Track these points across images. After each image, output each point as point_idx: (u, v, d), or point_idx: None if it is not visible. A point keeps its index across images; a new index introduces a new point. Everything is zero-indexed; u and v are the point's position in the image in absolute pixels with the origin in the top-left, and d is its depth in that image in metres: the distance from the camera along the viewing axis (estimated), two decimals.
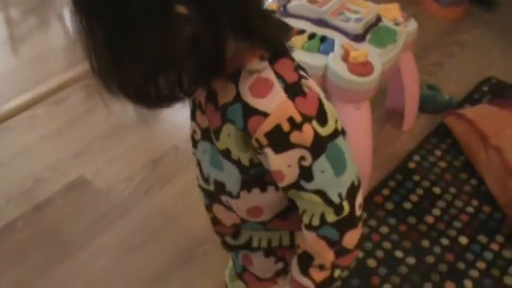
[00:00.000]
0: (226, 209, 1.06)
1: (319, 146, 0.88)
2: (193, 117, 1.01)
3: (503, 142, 1.97)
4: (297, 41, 1.79)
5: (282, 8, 1.92)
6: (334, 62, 1.73)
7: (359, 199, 0.94)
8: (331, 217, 0.91)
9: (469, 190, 2.01)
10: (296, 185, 0.89)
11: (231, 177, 0.97)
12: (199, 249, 1.79)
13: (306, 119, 0.86)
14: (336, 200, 0.90)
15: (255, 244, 1.13)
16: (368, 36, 1.84)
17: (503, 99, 2.38)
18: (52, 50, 2.67)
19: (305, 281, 0.99)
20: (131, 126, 2.18)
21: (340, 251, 0.95)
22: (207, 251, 1.78)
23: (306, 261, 0.98)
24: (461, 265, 1.77)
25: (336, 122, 0.92)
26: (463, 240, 1.85)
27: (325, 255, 0.95)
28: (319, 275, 0.98)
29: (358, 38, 1.82)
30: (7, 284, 1.70)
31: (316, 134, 0.87)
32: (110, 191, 1.97)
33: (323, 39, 1.81)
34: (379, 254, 1.79)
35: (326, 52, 1.77)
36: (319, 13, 1.86)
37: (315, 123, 0.87)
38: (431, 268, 1.76)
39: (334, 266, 0.97)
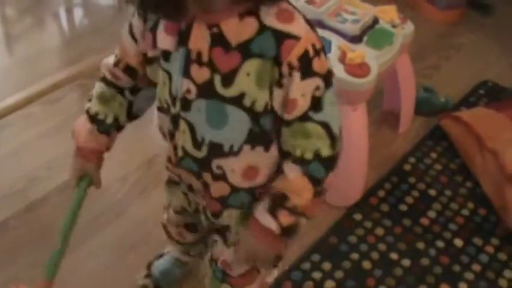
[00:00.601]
0: (214, 180, 1.05)
1: (329, 77, 0.96)
2: (186, 74, 0.97)
3: (499, 145, 1.97)
4: None
5: None
6: (330, 63, 1.72)
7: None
8: (326, 151, 0.96)
9: (465, 193, 2.01)
10: (304, 116, 0.94)
11: (235, 130, 0.97)
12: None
13: (322, 48, 0.95)
14: (336, 132, 0.97)
15: (231, 233, 1.16)
16: (365, 38, 1.84)
17: (500, 102, 2.38)
18: (47, 49, 2.66)
19: (270, 221, 0.98)
20: (126, 127, 2.16)
21: (318, 193, 1.00)
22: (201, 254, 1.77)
23: (279, 201, 0.98)
24: (457, 267, 1.77)
25: None
26: (459, 242, 1.84)
27: (304, 194, 0.98)
28: (287, 219, 0.98)
29: (355, 39, 1.82)
30: None
31: (329, 67, 0.95)
32: (104, 191, 1.94)
33: None
34: (374, 255, 1.79)
35: None
36: (316, 14, 1.86)
37: (324, 55, 0.95)
38: (427, 270, 1.76)
39: (303, 213, 0.99)
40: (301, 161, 0.97)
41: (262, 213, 1.00)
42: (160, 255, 1.65)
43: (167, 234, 1.51)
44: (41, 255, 1.69)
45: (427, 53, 2.68)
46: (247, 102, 0.94)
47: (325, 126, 0.95)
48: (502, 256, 1.81)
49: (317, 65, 0.93)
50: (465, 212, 1.94)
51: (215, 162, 1.02)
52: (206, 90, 0.95)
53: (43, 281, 1.22)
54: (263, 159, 1.03)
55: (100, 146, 1.19)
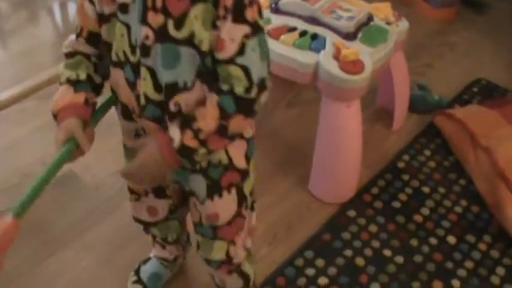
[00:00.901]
0: (170, 120, 1.11)
1: (258, 26, 1.04)
2: (144, 21, 1.05)
3: (492, 143, 1.98)
4: (288, 38, 1.79)
5: (273, 5, 1.92)
6: (325, 60, 1.73)
7: (263, 98, 1.08)
8: (239, 89, 1.05)
9: (458, 190, 2.02)
10: (230, 60, 1.04)
11: (187, 68, 1.07)
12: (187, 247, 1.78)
13: (257, 2, 1.05)
14: (255, 78, 1.05)
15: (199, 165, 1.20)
16: (359, 35, 1.84)
17: (493, 100, 2.39)
18: (41, 44, 2.66)
19: (176, 134, 1.07)
20: (119, 123, 2.16)
21: (222, 129, 1.06)
22: (194, 249, 1.77)
23: (188, 121, 1.07)
24: (449, 264, 1.78)
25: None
26: (451, 239, 1.85)
27: (209, 119, 1.06)
28: (188, 139, 1.06)
29: (350, 36, 1.82)
30: None
31: (257, 19, 1.04)
32: (99, 186, 1.96)
33: (314, 36, 1.81)
34: (368, 252, 1.79)
35: (317, 50, 1.76)
36: (311, 11, 1.86)
37: (258, 9, 1.05)
38: (420, 267, 1.76)
39: (205, 141, 1.06)
40: (217, 91, 1.06)
41: (173, 126, 1.09)
42: (147, 260, 1.68)
43: (143, 226, 1.55)
44: (34, 250, 1.70)
45: (421, 50, 2.69)
46: (196, 41, 1.04)
47: (245, 69, 1.04)
48: (495, 253, 1.82)
49: (249, 14, 1.03)
50: (458, 209, 1.95)
51: (172, 101, 1.10)
52: (161, 35, 1.05)
53: (11, 218, 1.20)
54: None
55: (78, 100, 1.18)
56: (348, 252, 1.79)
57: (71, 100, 1.18)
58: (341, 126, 1.82)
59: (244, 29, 1.03)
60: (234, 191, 1.26)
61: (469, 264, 1.78)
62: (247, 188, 1.29)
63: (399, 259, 1.78)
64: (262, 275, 1.71)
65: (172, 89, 1.08)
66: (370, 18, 1.91)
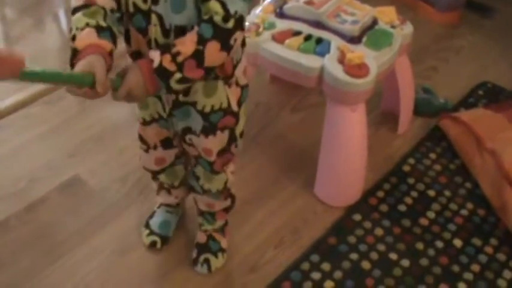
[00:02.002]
0: None
1: None
2: None
3: (498, 146, 1.97)
4: (293, 42, 1.79)
5: (278, 10, 1.92)
6: (330, 64, 1.73)
7: (238, 36, 1.19)
8: (217, 18, 1.15)
9: (464, 193, 2.01)
10: None
11: (192, 10, 1.19)
12: (193, 252, 1.78)
13: None
14: (231, 11, 1.16)
15: (198, 107, 1.36)
16: (364, 39, 1.84)
17: (498, 103, 2.39)
18: (47, 50, 2.66)
19: (156, 56, 1.17)
20: (125, 127, 2.17)
21: (199, 55, 1.16)
22: None
23: (169, 47, 1.17)
24: (456, 268, 1.77)
25: None
26: (458, 243, 1.85)
27: (187, 43, 1.16)
28: (167, 62, 1.16)
29: (354, 40, 1.82)
30: None
31: None
32: (105, 191, 1.96)
33: (319, 40, 1.81)
34: (374, 256, 1.79)
35: (322, 54, 1.77)
36: (315, 15, 1.86)
37: None
38: (426, 271, 1.76)
39: (181, 66, 1.16)
40: (199, 22, 1.17)
41: (153, 51, 1.20)
42: (152, 214, 1.83)
43: (152, 175, 1.69)
44: (41, 255, 1.70)
45: (426, 54, 2.69)
46: None
47: (222, 3, 1.15)
48: (501, 256, 1.81)
49: None
50: (464, 212, 1.95)
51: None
52: None
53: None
54: None
55: (104, 45, 1.18)
56: (354, 256, 1.78)
57: (97, 41, 1.18)
58: (346, 130, 1.82)
59: None
60: (226, 132, 1.44)
61: (475, 267, 1.78)
62: (238, 130, 1.46)
63: (405, 262, 1.78)
64: (268, 279, 1.72)
65: (182, 31, 1.20)
66: (374, 22, 1.91)
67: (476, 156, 2.03)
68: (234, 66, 1.34)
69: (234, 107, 1.40)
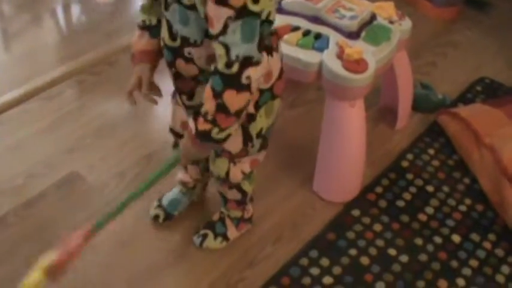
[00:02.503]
0: (186, 63, 1.35)
1: (243, 12, 1.16)
2: None
3: (496, 141, 1.97)
4: (291, 37, 1.79)
5: (276, 5, 1.92)
6: (328, 59, 1.73)
7: (251, 73, 1.20)
8: (221, 66, 1.20)
9: (462, 189, 2.01)
10: (216, 37, 1.19)
11: (195, 27, 1.27)
12: (192, 246, 1.78)
13: None
14: (232, 56, 1.18)
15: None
16: (363, 34, 1.84)
17: (497, 98, 2.39)
18: (45, 46, 2.66)
19: (192, 123, 1.31)
20: (123, 122, 2.17)
21: (221, 106, 1.23)
22: (199, 249, 1.78)
23: (199, 110, 1.28)
24: (454, 263, 1.78)
25: (270, 13, 1.25)
26: (456, 238, 1.85)
27: (210, 103, 1.24)
28: (201, 124, 1.27)
29: (353, 35, 1.82)
30: None
31: (245, 4, 1.15)
32: (103, 186, 1.96)
33: (317, 36, 1.81)
34: (372, 251, 1.79)
35: (320, 49, 1.76)
36: (314, 10, 1.86)
37: None
38: (424, 266, 1.76)
39: (214, 121, 1.25)
40: (211, 72, 1.24)
41: (189, 119, 1.34)
42: (169, 191, 1.89)
43: (174, 139, 1.74)
44: (39, 251, 1.69)
45: (425, 49, 2.69)
46: (199, 9, 1.22)
47: (225, 47, 1.18)
48: (499, 252, 1.82)
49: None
50: (463, 207, 1.95)
51: (186, 50, 1.32)
52: None
53: (88, 231, 1.50)
54: None
55: (150, 47, 1.44)
56: (353, 252, 1.79)
57: (144, 46, 1.45)
58: (345, 126, 1.82)
59: (228, 11, 1.15)
60: (240, 130, 1.44)
61: (473, 263, 1.78)
62: (253, 130, 1.46)
63: (404, 258, 1.78)
64: (266, 274, 1.72)
65: (186, 41, 1.30)
66: (373, 17, 1.90)
67: (475, 151, 2.03)
68: None
69: (248, 108, 1.38)
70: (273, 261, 1.76)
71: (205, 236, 1.78)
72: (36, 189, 1.94)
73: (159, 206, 1.85)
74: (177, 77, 1.42)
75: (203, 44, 1.29)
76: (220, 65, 1.20)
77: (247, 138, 1.48)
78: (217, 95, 1.22)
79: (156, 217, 1.84)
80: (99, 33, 2.69)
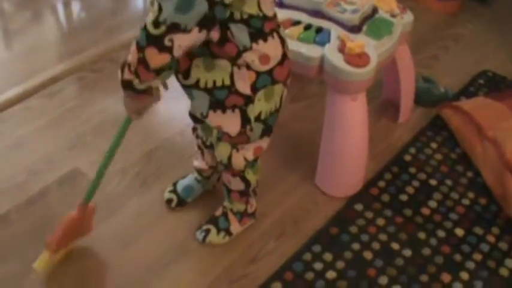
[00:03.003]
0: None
1: None
2: None
3: (499, 134, 1.97)
4: (292, 31, 1.78)
5: None
6: (330, 53, 1.72)
7: (176, 38, 1.25)
8: (149, 22, 1.24)
9: (465, 182, 2.01)
10: None
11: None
12: (194, 242, 1.78)
13: None
14: (161, 19, 1.22)
15: (201, 84, 1.43)
16: (364, 28, 1.83)
17: (499, 91, 2.38)
18: (45, 43, 2.66)
19: (119, 73, 1.37)
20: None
21: (142, 61, 1.29)
22: (202, 243, 1.77)
23: (125, 61, 1.34)
24: (458, 257, 1.77)
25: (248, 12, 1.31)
26: (459, 232, 1.84)
27: (133, 55, 1.30)
28: (127, 74, 1.34)
29: (354, 29, 1.81)
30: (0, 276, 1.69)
31: None
32: (105, 183, 1.94)
33: (319, 30, 1.80)
34: (375, 246, 1.79)
35: (322, 43, 1.76)
36: (315, 4, 1.85)
37: None
38: (428, 260, 1.76)
39: (136, 73, 1.32)
40: (141, 28, 1.28)
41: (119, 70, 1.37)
42: (185, 176, 1.93)
43: (193, 124, 1.73)
44: (42, 247, 1.69)
45: (426, 43, 2.68)
46: None
47: (159, 7, 1.22)
48: (503, 245, 1.81)
49: None
50: (466, 201, 1.94)
51: (167, 37, 1.28)
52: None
53: (81, 206, 1.68)
54: None
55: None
56: (356, 246, 1.78)
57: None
58: (347, 120, 1.81)
59: None
60: (237, 111, 1.46)
61: (477, 256, 1.78)
62: (251, 112, 1.47)
63: (407, 252, 1.78)
64: (270, 270, 1.71)
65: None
66: (374, 10, 1.90)
67: (478, 145, 2.02)
68: (241, 51, 1.36)
69: (241, 88, 1.41)
70: (276, 257, 1.75)
71: (208, 231, 1.78)
72: (37, 186, 1.94)
73: (174, 191, 1.89)
74: None
75: (192, 31, 1.29)
76: (149, 21, 1.24)
77: (245, 120, 1.48)
78: (140, 49, 1.28)
79: (170, 201, 1.88)
80: (100, 30, 2.68)
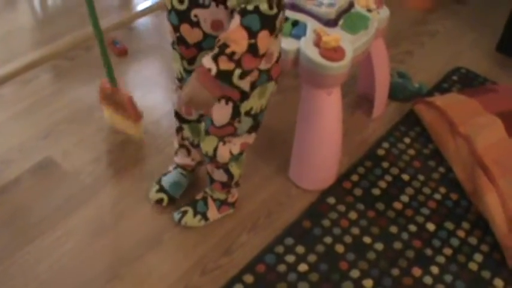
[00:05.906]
0: (191, 27, 1.34)
1: None
2: None
3: (471, 130, 1.99)
4: None
5: None
6: (306, 47, 1.72)
7: (281, 16, 1.26)
8: (263, 7, 1.21)
9: (437, 177, 2.03)
10: None
11: None
12: (168, 233, 1.78)
13: None
14: None
15: None
16: (340, 22, 1.83)
17: (472, 88, 2.40)
18: (19, 29, 2.63)
19: (210, 63, 1.26)
20: (99, 108, 2.15)
21: (253, 47, 1.24)
22: (175, 235, 1.77)
23: (221, 48, 1.25)
24: (428, 251, 1.79)
25: None
26: (431, 226, 1.86)
27: (242, 43, 1.23)
28: (224, 64, 1.25)
29: (331, 23, 1.81)
30: None
31: None
32: (78, 173, 1.95)
33: (295, 23, 1.80)
34: (347, 239, 1.80)
35: (298, 36, 1.76)
36: None
37: None
38: (399, 254, 1.77)
39: (240, 62, 1.25)
40: (243, 12, 1.22)
41: (207, 58, 1.27)
42: (166, 172, 1.91)
43: (178, 124, 1.76)
44: (14, 237, 1.68)
45: (402, 38, 2.70)
46: None
47: None
48: (473, 240, 1.83)
49: None
50: (437, 196, 1.96)
51: (193, 12, 1.31)
52: None
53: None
54: (225, 14, 1.29)
55: None
56: (328, 239, 1.79)
57: None
58: (321, 114, 1.82)
59: None
60: (230, 105, 1.47)
61: (447, 251, 1.80)
62: (243, 108, 1.49)
63: (379, 246, 1.79)
64: (242, 261, 1.72)
65: (194, 2, 1.29)
66: (351, 5, 1.90)
67: (450, 141, 2.04)
68: None
69: (240, 83, 1.41)
70: (248, 249, 1.76)
71: (184, 213, 1.79)
72: (10, 175, 1.92)
73: (161, 190, 1.86)
74: (180, 42, 1.42)
75: (210, 7, 1.29)
76: (264, 6, 1.21)
77: (235, 114, 1.50)
78: (253, 35, 1.23)
79: (160, 201, 1.85)
80: (75, 17, 2.65)
